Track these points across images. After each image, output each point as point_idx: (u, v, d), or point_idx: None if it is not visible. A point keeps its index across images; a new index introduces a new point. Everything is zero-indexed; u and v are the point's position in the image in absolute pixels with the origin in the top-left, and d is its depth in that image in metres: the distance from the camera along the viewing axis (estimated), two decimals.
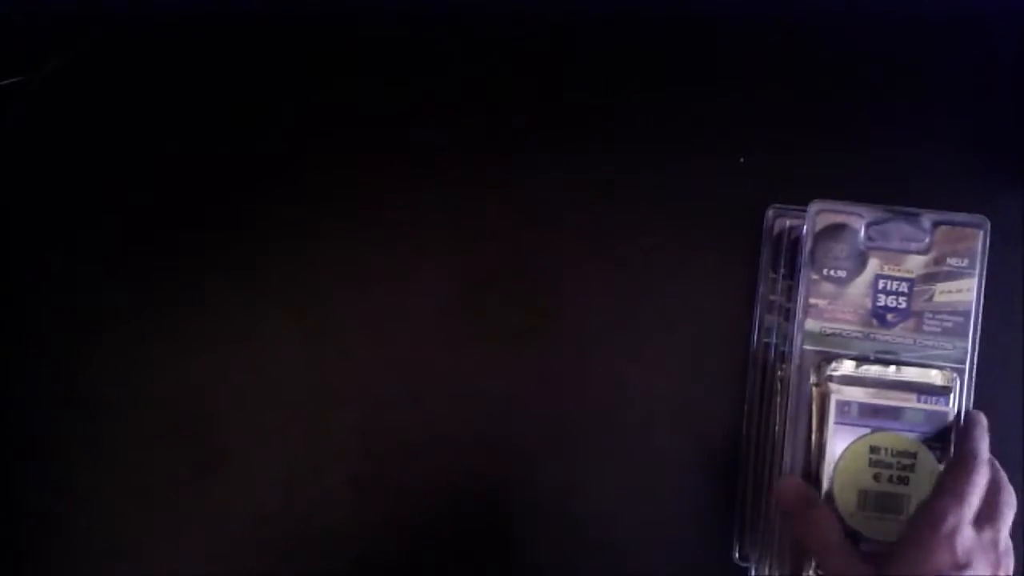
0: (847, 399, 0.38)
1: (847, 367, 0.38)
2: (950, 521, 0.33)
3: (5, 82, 0.45)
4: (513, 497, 0.43)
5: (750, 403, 0.41)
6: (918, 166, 0.43)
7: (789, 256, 0.41)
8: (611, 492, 0.44)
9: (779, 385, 0.41)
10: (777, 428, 0.40)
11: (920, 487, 0.37)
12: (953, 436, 0.37)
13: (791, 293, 0.40)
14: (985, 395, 0.42)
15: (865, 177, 0.43)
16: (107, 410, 0.45)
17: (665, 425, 0.43)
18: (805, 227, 0.39)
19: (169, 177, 0.45)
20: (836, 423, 0.38)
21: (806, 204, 0.40)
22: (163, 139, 0.45)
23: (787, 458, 0.38)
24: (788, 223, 0.41)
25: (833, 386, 0.38)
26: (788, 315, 0.40)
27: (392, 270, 0.44)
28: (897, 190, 0.42)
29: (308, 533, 0.44)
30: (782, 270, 0.41)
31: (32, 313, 0.45)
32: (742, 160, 0.43)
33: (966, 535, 0.32)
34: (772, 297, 0.41)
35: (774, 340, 0.41)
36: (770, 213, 0.42)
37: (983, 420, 0.37)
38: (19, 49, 0.45)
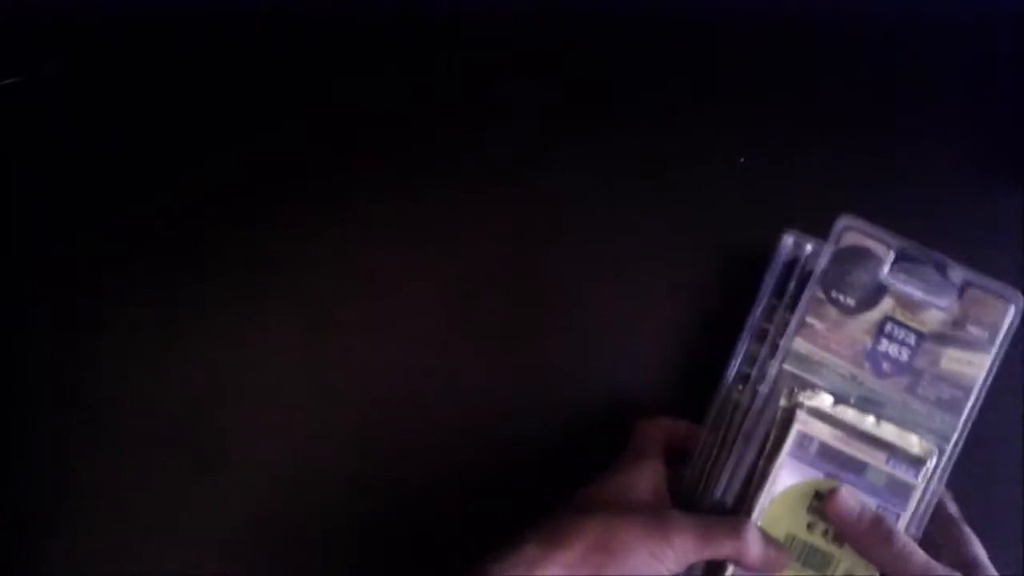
0: (811, 433, 0.34)
1: (823, 401, 0.34)
2: None
3: (5, 82, 0.45)
4: (513, 497, 0.43)
5: (712, 428, 0.37)
6: (918, 166, 0.43)
7: (798, 288, 0.36)
8: None
9: (735, 406, 0.37)
10: (721, 451, 0.36)
11: (855, 556, 0.34)
12: (914, 511, 0.34)
13: (770, 326, 0.37)
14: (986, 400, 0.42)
15: (865, 177, 0.43)
16: (107, 410, 0.45)
17: None
18: (828, 241, 0.35)
19: (169, 177, 0.45)
20: (789, 455, 0.34)
21: (804, 209, 0.40)
22: (163, 139, 0.45)
23: (724, 480, 0.35)
24: (808, 249, 0.37)
25: (801, 415, 0.34)
26: (773, 350, 0.36)
27: (392, 270, 0.44)
28: (897, 190, 0.42)
29: (308, 533, 0.44)
30: (786, 300, 0.37)
31: (32, 313, 0.45)
32: (742, 160, 0.43)
33: None
34: (765, 325, 0.37)
35: (753, 372, 0.37)
36: (789, 240, 0.38)
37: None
38: (19, 49, 0.45)
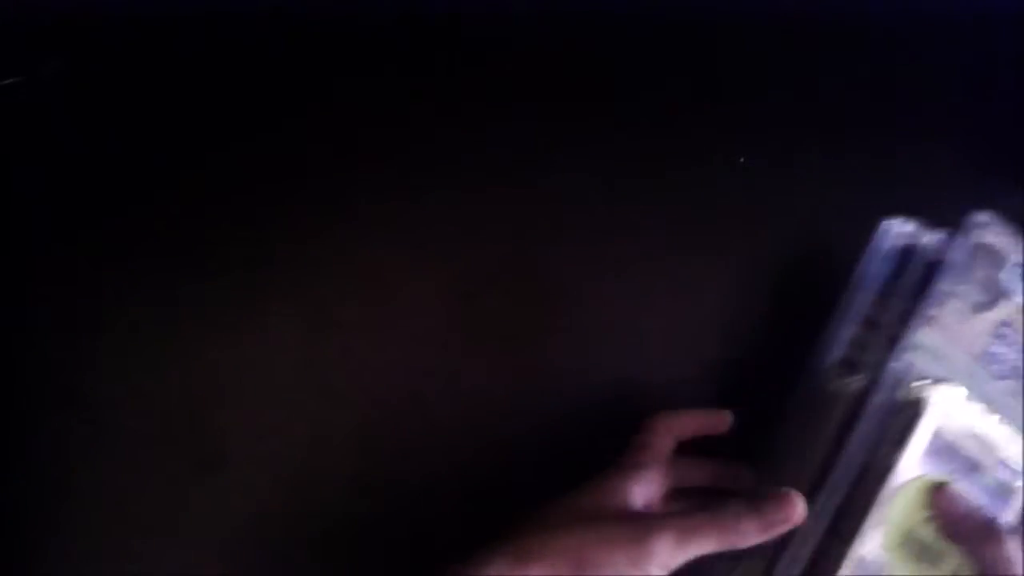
0: (939, 426, 0.33)
1: (956, 394, 0.33)
2: None
3: (5, 82, 0.45)
4: (513, 497, 0.43)
5: (793, 418, 0.36)
6: (918, 166, 0.43)
7: (915, 277, 0.35)
8: None
9: (834, 396, 0.35)
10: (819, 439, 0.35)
11: (962, 556, 0.33)
12: (1016, 518, 0.34)
13: (885, 314, 0.36)
14: None
15: (865, 177, 0.43)
16: (107, 410, 0.45)
17: None
18: (961, 234, 0.35)
19: (169, 177, 0.45)
20: (916, 448, 0.33)
21: (805, 208, 0.40)
22: (163, 139, 0.45)
23: (833, 473, 0.34)
24: (925, 240, 0.36)
25: (933, 407, 0.33)
26: (889, 340, 0.35)
27: (392, 270, 0.44)
28: (897, 190, 0.42)
29: (308, 533, 0.44)
30: (900, 289, 0.36)
31: (32, 314, 0.45)
32: (742, 160, 0.43)
33: None
34: (866, 312, 0.36)
35: (862, 359, 0.35)
36: (902, 227, 0.37)
37: None
38: (19, 49, 0.45)
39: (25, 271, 0.45)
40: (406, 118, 0.44)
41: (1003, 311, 0.34)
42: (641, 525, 0.31)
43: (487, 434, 0.43)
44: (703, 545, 0.31)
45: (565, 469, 0.43)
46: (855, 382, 0.35)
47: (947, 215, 0.42)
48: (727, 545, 0.31)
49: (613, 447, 0.41)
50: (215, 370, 0.44)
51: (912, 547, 0.34)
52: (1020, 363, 0.34)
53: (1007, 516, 0.33)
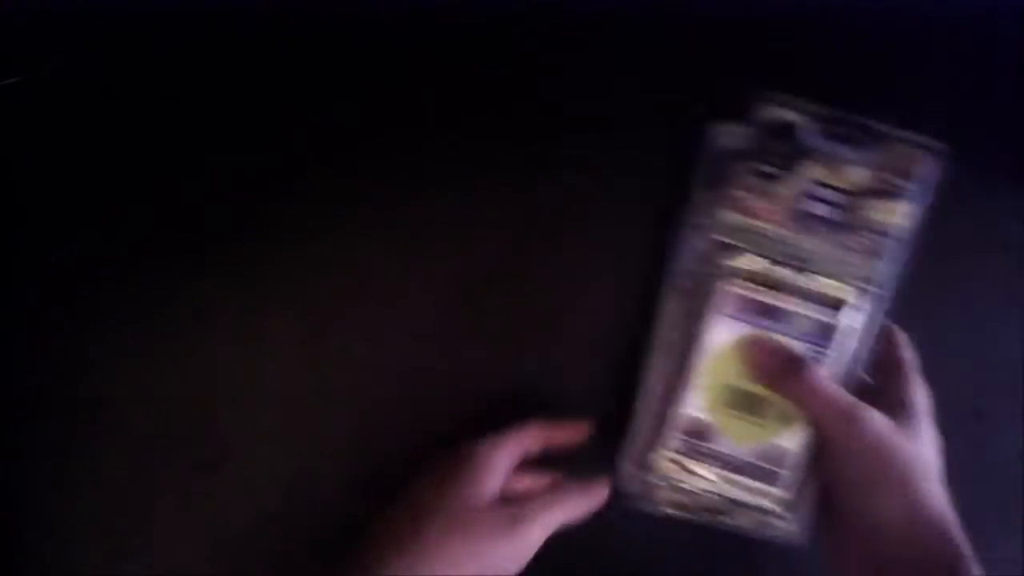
0: (739, 292, 0.37)
1: (749, 262, 0.37)
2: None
3: (5, 82, 0.45)
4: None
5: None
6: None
7: (713, 170, 0.39)
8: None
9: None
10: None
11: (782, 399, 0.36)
12: (841, 352, 0.36)
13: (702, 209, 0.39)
14: (984, 396, 0.42)
15: None
16: (106, 410, 0.45)
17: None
18: (749, 117, 0.37)
19: (169, 177, 0.45)
20: (721, 314, 0.37)
21: None
22: (163, 139, 0.45)
23: (660, 347, 0.37)
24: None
25: (729, 277, 0.37)
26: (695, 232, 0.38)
27: (392, 270, 0.44)
28: None
29: (308, 533, 0.44)
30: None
31: (32, 313, 0.45)
32: None
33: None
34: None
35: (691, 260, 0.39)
36: (722, 127, 0.39)
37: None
38: (19, 49, 0.45)
39: (25, 271, 0.45)
40: (406, 118, 0.44)
41: (809, 172, 0.37)
42: (515, 514, 0.35)
43: (487, 434, 0.43)
44: (561, 519, 0.35)
45: (564, 468, 0.43)
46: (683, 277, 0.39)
47: (947, 214, 0.43)
48: (576, 517, 0.36)
49: (612, 446, 0.42)
50: (215, 370, 0.44)
51: (735, 401, 0.36)
52: (833, 214, 0.36)
53: (831, 354, 0.36)
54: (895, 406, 0.34)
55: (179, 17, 0.45)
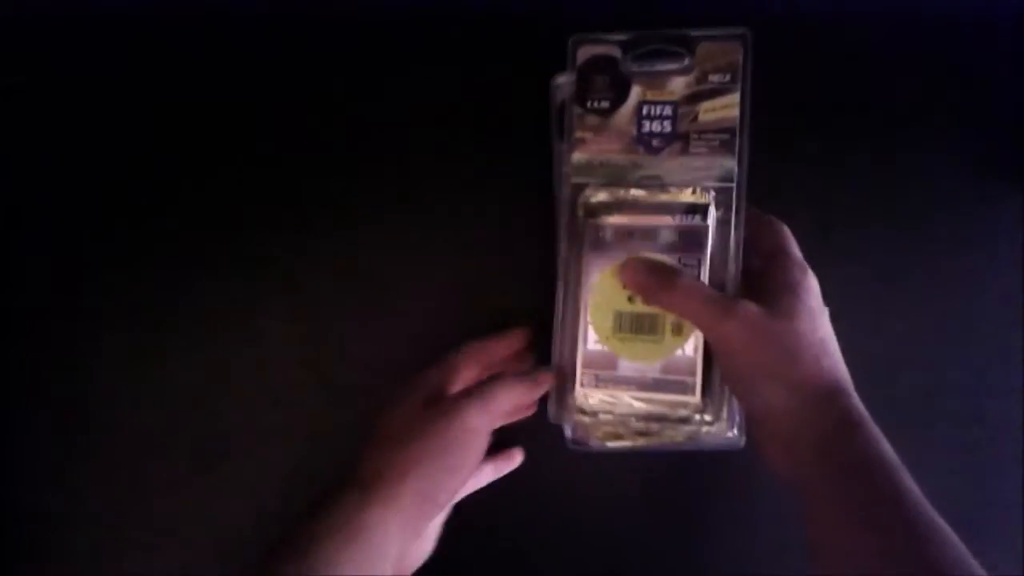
0: (601, 224, 0.38)
1: (603, 195, 0.38)
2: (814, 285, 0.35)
3: (5, 82, 0.45)
4: (513, 495, 0.43)
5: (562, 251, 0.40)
6: (918, 166, 0.43)
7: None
8: (611, 489, 0.44)
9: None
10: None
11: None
12: (713, 252, 0.37)
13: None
14: (984, 397, 0.42)
15: (865, 177, 0.43)
16: (106, 409, 0.45)
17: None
18: (567, 62, 0.38)
19: (169, 178, 0.45)
20: (592, 250, 0.38)
21: (806, 209, 0.40)
22: (163, 140, 0.45)
23: (560, 297, 0.38)
24: (596, 50, 0.40)
25: (594, 213, 0.38)
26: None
27: (392, 270, 0.44)
28: (897, 190, 0.42)
29: None
30: (591, 102, 0.40)
31: (32, 313, 0.45)
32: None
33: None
34: (580, 134, 0.40)
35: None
36: (559, 80, 0.41)
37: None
38: (19, 49, 0.45)
39: (26, 272, 0.45)
40: (405, 118, 0.44)
41: (635, 95, 0.38)
42: (450, 407, 0.35)
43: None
44: (502, 404, 0.36)
45: (564, 468, 0.43)
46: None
47: (947, 215, 0.43)
48: (517, 401, 0.37)
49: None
50: (216, 370, 0.44)
51: (626, 326, 0.38)
52: (670, 128, 0.38)
53: (704, 258, 0.37)
54: (773, 291, 0.35)
55: (181, 22, 0.45)
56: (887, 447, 0.32)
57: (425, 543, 0.39)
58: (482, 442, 0.36)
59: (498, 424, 0.37)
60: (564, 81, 0.40)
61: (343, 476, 0.35)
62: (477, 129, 0.44)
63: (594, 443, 0.41)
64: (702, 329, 0.36)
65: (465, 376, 0.39)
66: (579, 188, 0.39)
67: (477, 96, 0.44)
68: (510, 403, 0.37)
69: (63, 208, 0.45)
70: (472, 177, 0.44)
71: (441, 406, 0.36)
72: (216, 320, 0.44)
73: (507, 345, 0.41)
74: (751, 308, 0.34)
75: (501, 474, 0.42)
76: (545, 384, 0.38)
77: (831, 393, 0.33)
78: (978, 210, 0.43)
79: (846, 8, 0.43)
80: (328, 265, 0.44)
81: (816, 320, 0.34)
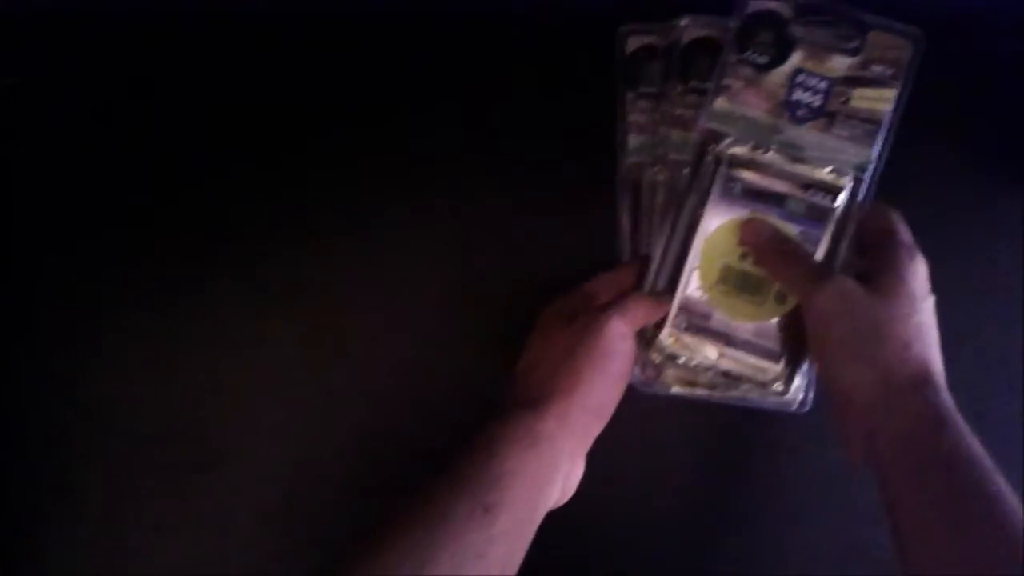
0: (734, 176, 0.38)
1: (743, 148, 0.38)
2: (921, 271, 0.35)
3: (5, 82, 0.45)
4: None
5: (624, 226, 0.42)
6: (918, 166, 0.43)
7: (654, 71, 0.41)
8: (610, 488, 0.44)
9: (653, 186, 0.41)
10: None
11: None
12: (834, 234, 0.37)
13: (656, 110, 0.41)
14: (984, 395, 0.42)
15: None
16: (106, 410, 0.45)
17: (663, 423, 0.43)
18: (733, 9, 0.38)
19: (169, 179, 0.45)
20: (718, 198, 0.38)
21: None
22: (163, 141, 0.45)
23: (664, 235, 0.39)
24: (644, 40, 0.41)
25: (725, 164, 0.38)
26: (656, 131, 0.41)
27: (392, 270, 0.44)
28: (897, 190, 0.42)
29: (308, 533, 0.44)
30: (642, 88, 0.41)
31: (32, 314, 0.45)
32: None
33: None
34: (634, 117, 0.42)
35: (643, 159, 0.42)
36: (623, 29, 0.41)
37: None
38: (19, 49, 0.45)
39: (26, 272, 0.45)
40: (405, 118, 0.44)
41: (794, 61, 0.38)
42: (593, 320, 0.37)
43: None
44: (637, 314, 0.38)
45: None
46: (664, 170, 0.41)
47: (947, 214, 0.43)
48: (647, 316, 0.38)
49: (611, 446, 0.42)
50: (215, 370, 0.44)
51: (732, 281, 0.38)
52: (820, 102, 0.38)
53: (824, 237, 0.37)
54: (876, 271, 0.35)
55: (183, 23, 0.45)
56: (976, 445, 0.31)
57: (575, 477, 0.38)
58: (630, 347, 0.37)
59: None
60: (642, 39, 0.41)
61: (501, 402, 0.36)
62: (480, 129, 0.44)
63: (659, 386, 0.41)
64: (797, 296, 0.36)
65: (601, 302, 0.39)
66: (712, 134, 0.38)
67: (480, 95, 0.44)
68: (643, 315, 0.38)
69: (63, 208, 0.45)
70: (475, 178, 0.44)
71: (586, 321, 0.36)
72: (216, 320, 0.44)
73: (630, 273, 0.41)
74: (848, 282, 0.34)
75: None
76: (666, 308, 0.39)
77: (916, 384, 0.32)
78: (978, 210, 0.43)
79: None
80: (329, 265, 0.44)
81: (916, 304, 0.34)
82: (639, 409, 0.40)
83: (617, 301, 0.38)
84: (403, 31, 0.44)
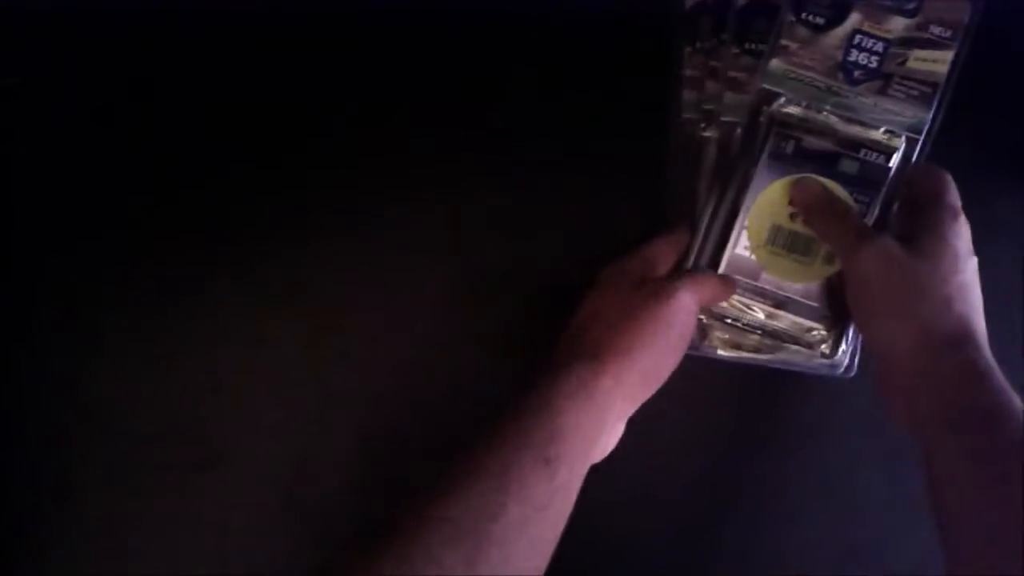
0: (787, 135, 0.38)
1: (796, 108, 0.38)
2: (964, 234, 0.34)
3: (5, 82, 0.45)
4: None
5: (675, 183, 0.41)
6: None
7: (709, 26, 0.41)
8: (609, 488, 0.44)
9: (701, 144, 0.41)
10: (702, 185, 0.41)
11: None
12: (886, 195, 0.37)
13: (710, 66, 0.41)
14: None
15: None
16: (107, 410, 0.45)
17: (663, 423, 0.43)
18: None
19: (169, 178, 0.45)
20: (770, 159, 0.38)
21: None
22: (163, 141, 0.45)
23: (715, 194, 0.39)
24: None
25: (778, 124, 0.38)
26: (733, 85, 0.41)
27: (392, 270, 0.44)
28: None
29: (308, 533, 0.44)
30: (699, 44, 0.41)
31: (32, 314, 0.45)
32: None
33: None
34: (690, 72, 0.41)
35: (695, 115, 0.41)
36: None
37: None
38: (19, 49, 0.45)
39: (26, 272, 0.45)
40: (405, 117, 0.44)
41: (852, 22, 0.38)
42: (663, 289, 0.36)
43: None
44: (706, 292, 0.37)
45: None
46: (711, 129, 0.41)
47: None
48: (715, 294, 0.38)
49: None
50: (215, 371, 0.44)
51: (781, 241, 0.38)
52: (877, 64, 0.38)
53: (875, 198, 0.37)
54: (920, 231, 0.35)
55: (181, 22, 0.45)
56: (1017, 401, 0.31)
57: (615, 437, 0.38)
58: (693, 323, 0.37)
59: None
60: None
61: (552, 356, 0.36)
62: (480, 129, 0.44)
63: (706, 348, 0.41)
64: (839, 254, 0.36)
65: (662, 265, 0.40)
66: (766, 94, 0.39)
67: (480, 95, 0.44)
68: (711, 294, 0.38)
69: (63, 208, 0.45)
70: (475, 178, 0.44)
71: (654, 288, 0.36)
72: (216, 320, 0.44)
73: (687, 235, 0.41)
74: (889, 241, 0.34)
75: None
76: (734, 289, 0.39)
77: (957, 341, 0.32)
78: (978, 210, 0.43)
79: None
80: (329, 264, 0.44)
81: (958, 264, 0.34)
82: (639, 409, 0.39)
83: (689, 275, 0.38)
84: (403, 31, 0.44)
